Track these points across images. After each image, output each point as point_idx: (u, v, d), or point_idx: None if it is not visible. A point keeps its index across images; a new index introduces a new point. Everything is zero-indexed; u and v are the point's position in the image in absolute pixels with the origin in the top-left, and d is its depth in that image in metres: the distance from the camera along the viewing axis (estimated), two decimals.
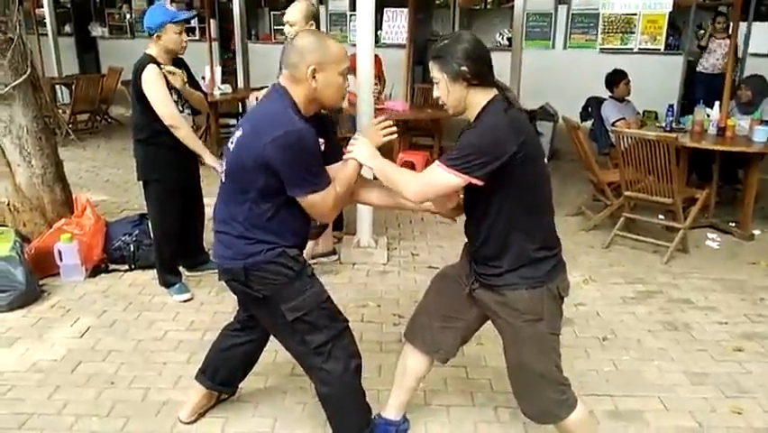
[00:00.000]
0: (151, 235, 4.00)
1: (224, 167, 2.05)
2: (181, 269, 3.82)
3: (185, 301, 3.59)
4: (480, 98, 1.89)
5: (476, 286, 2.06)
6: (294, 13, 3.56)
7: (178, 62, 3.47)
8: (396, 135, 2.15)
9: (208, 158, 3.44)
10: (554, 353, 2.02)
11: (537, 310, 1.95)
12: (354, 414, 2.22)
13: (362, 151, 2.06)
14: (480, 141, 1.82)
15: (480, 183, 1.81)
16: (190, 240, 3.84)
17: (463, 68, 1.84)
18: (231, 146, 2.02)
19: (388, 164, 2.06)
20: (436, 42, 1.95)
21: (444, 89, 1.90)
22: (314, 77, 1.93)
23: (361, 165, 2.07)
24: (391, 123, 2.11)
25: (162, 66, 3.30)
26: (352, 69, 3.54)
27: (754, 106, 5.22)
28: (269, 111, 1.99)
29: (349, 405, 2.19)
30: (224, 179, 2.06)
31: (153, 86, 3.25)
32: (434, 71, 1.91)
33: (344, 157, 2.09)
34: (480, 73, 1.86)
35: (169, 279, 3.67)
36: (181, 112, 3.41)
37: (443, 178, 1.85)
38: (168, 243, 3.62)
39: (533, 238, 1.93)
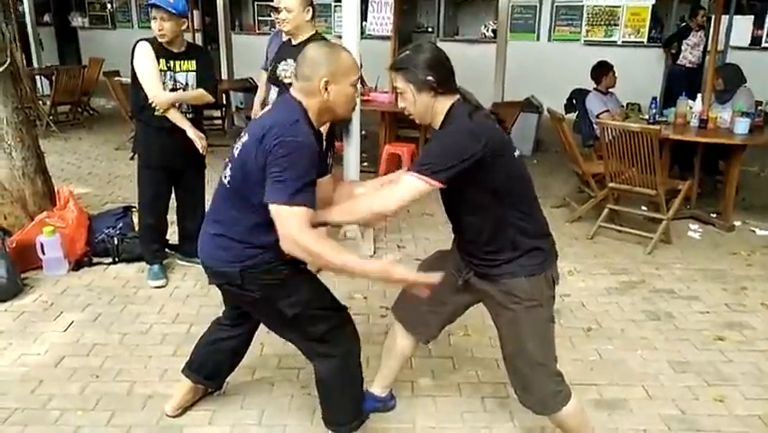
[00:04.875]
0: (135, 227, 3.99)
1: (229, 172, 1.97)
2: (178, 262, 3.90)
3: (157, 288, 3.62)
4: (445, 106, 1.92)
5: (469, 276, 2.09)
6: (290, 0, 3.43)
7: (196, 49, 3.60)
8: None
9: (190, 130, 3.46)
10: (552, 341, 2.06)
11: (537, 296, 1.97)
12: (352, 400, 2.23)
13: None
14: (441, 146, 1.86)
15: (442, 186, 1.83)
16: (187, 228, 3.85)
17: (429, 77, 1.86)
18: (236, 152, 1.96)
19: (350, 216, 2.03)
20: (397, 54, 1.96)
21: (411, 99, 1.91)
22: (326, 89, 1.91)
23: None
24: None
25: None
26: None
27: (729, 93, 5.27)
28: (279, 118, 1.91)
29: (348, 391, 2.20)
30: (226, 181, 1.98)
31: (140, 59, 3.35)
32: (399, 82, 1.92)
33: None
34: (444, 81, 1.89)
35: (147, 256, 3.74)
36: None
37: (412, 185, 1.83)
38: (144, 215, 3.69)
39: (526, 230, 1.96)
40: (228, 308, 2.40)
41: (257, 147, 1.85)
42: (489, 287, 2.04)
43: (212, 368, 2.46)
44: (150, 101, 3.34)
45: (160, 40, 3.35)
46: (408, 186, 1.84)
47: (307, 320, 2.04)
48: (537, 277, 1.97)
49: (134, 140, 3.84)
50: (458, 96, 1.93)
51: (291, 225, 1.78)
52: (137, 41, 3.41)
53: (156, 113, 3.39)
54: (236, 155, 1.95)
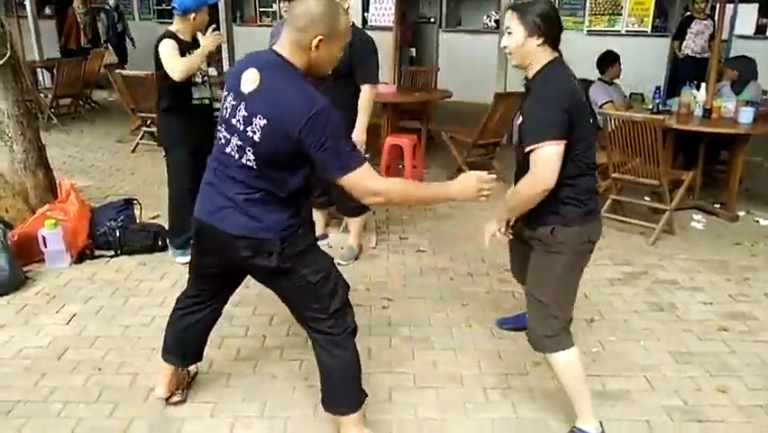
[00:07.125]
0: (137, 219, 4.00)
1: (252, 157, 1.88)
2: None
3: (185, 264, 3.60)
4: (545, 58, 2.09)
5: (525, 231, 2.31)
6: None
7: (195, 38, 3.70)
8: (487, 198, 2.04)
9: (208, 44, 3.61)
10: (559, 289, 2.27)
11: (555, 245, 2.21)
12: (354, 381, 2.20)
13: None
14: (547, 108, 2.03)
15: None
16: None
17: (540, 25, 2.03)
18: (251, 133, 1.84)
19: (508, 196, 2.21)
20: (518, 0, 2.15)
21: (518, 41, 2.07)
22: (317, 47, 1.83)
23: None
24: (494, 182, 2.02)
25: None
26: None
27: (741, 86, 5.24)
28: (288, 91, 1.83)
29: (351, 371, 2.18)
30: (250, 163, 1.89)
31: (165, 50, 3.45)
32: (513, 22, 2.08)
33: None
34: (551, 35, 2.06)
35: (179, 242, 3.83)
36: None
37: (554, 151, 1.99)
38: (184, 202, 3.65)
39: (575, 187, 2.17)
40: (195, 287, 2.35)
41: (281, 126, 1.80)
42: (529, 232, 2.26)
43: (195, 348, 2.47)
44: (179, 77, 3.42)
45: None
46: (549, 156, 2.00)
47: (329, 289, 2.05)
48: (564, 229, 2.15)
49: (164, 134, 3.76)
50: (558, 55, 2.10)
51: (366, 184, 1.87)
52: (161, 38, 3.48)
53: (194, 99, 3.60)
54: (253, 138, 1.84)
